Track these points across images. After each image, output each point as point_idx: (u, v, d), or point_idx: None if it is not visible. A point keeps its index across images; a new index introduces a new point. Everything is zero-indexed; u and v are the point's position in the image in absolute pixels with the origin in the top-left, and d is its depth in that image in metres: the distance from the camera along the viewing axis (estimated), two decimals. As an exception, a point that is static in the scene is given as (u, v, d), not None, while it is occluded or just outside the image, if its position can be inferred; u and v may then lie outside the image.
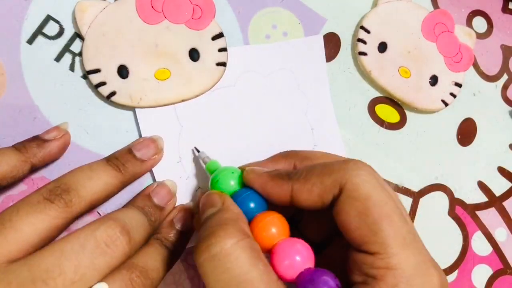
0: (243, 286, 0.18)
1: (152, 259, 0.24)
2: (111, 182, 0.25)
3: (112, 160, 0.26)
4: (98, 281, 0.21)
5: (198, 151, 0.29)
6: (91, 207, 0.24)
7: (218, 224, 0.21)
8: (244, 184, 0.24)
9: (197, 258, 0.20)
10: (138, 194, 0.27)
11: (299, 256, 0.20)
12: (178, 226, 0.27)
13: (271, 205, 0.24)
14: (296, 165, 0.25)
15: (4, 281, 0.20)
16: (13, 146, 0.25)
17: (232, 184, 0.24)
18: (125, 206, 0.26)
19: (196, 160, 0.30)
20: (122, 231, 0.22)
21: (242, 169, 0.25)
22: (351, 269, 0.21)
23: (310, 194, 0.21)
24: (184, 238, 0.27)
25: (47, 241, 0.22)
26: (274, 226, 0.22)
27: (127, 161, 0.26)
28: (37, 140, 0.25)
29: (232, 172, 0.25)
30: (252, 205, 0.23)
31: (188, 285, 0.29)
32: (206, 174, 0.27)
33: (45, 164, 0.26)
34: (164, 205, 0.27)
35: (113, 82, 0.28)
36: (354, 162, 0.21)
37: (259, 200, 0.23)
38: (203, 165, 0.27)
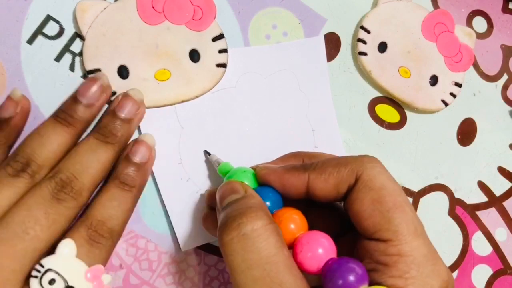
0: (269, 267, 0.19)
1: (109, 207, 0.25)
2: (64, 141, 0.25)
3: (60, 114, 0.26)
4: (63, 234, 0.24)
5: (209, 154, 0.29)
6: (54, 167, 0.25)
7: (247, 206, 0.21)
8: (258, 184, 0.25)
9: (224, 236, 0.20)
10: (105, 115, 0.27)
11: (321, 248, 0.21)
12: (136, 159, 0.26)
13: (286, 201, 0.24)
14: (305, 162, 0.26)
15: None
16: None
17: (246, 183, 0.24)
18: (80, 144, 0.26)
19: (197, 161, 0.30)
20: (64, 185, 0.24)
21: (254, 168, 0.25)
22: (361, 258, 0.21)
23: (326, 183, 0.22)
24: (144, 171, 0.27)
25: None
26: (294, 222, 0.22)
27: (74, 111, 0.26)
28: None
29: (244, 171, 0.25)
30: (268, 203, 0.23)
31: (188, 285, 0.29)
32: (214, 176, 0.27)
33: (15, 139, 0.26)
34: (131, 117, 0.27)
35: (113, 82, 0.28)
36: (369, 156, 0.22)
37: (275, 198, 0.24)
38: (216, 168, 0.27)
